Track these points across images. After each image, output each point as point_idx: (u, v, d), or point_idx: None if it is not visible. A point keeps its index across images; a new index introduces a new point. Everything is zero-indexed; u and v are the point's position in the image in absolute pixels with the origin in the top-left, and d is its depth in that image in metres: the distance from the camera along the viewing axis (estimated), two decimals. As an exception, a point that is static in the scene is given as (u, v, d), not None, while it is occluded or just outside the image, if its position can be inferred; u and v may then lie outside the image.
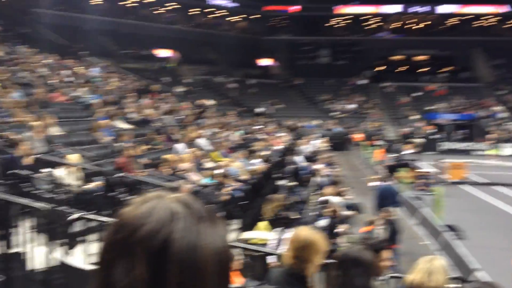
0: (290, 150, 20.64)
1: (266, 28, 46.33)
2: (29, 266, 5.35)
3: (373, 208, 11.93)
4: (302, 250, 3.24)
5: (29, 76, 17.77)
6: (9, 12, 30.09)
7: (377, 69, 45.99)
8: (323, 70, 44.37)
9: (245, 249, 5.96)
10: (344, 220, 10.54)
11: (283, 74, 44.05)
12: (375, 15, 48.14)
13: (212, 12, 44.89)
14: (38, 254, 5.43)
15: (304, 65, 44.73)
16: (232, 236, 8.29)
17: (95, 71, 23.63)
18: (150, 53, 38.47)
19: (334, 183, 13.74)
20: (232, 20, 45.98)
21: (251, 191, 11.08)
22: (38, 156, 8.92)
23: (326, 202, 10.95)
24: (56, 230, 5.49)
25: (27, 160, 8.51)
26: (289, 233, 5.05)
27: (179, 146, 14.52)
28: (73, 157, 9.19)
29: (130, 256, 0.85)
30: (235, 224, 9.33)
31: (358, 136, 32.77)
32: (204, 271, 0.87)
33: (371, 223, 9.87)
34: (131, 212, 0.90)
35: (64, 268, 5.18)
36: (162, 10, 42.50)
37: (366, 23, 48.14)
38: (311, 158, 19.63)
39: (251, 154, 16.14)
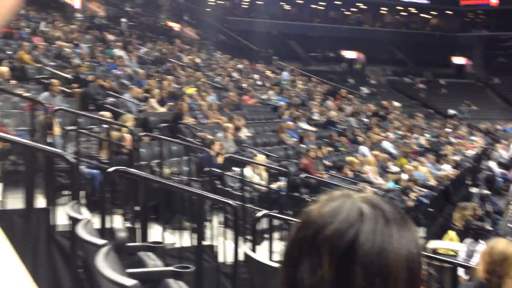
0: (484, 155, 19.11)
1: (462, 24, 43.51)
2: (219, 259, 5.69)
3: None
4: (498, 265, 2.95)
5: (222, 80, 19.04)
6: (207, 21, 32.63)
7: None
8: (526, 68, 40.27)
9: (432, 259, 5.63)
10: (548, 235, 9.42)
11: (478, 73, 41.03)
12: None
13: (402, 10, 43.59)
14: (227, 248, 5.75)
15: (503, 63, 41.10)
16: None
17: (284, 75, 24.44)
18: (336, 55, 38.70)
19: (536, 193, 12.37)
20: (423, 17, 44.13)
21: (439, 198, 10.48)
22: (229, 155, 9.47)
23: (526, 213, 9.90)
24: (243, 226, 5.76)
25: (220, 159, 9.08)
26: (482, 245, 4.63)
27: (363, 149, 14.33)
28: (260, 158, 9.59)
29: (316, 255, 0.83)
30: (421, 232, 8.90)
31: None
32: (392, 277, 0.82)
33: None
34: (318, 210, 0.88)
35: (250, 263, 5.40)
36: (349, 11, 42.46)
37: None
38: (510, 165, 17.94)
39: (440, 158, 15.28)
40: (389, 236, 0.84)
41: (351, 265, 0.82)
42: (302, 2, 40.49)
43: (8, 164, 5.75)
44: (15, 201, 4.65)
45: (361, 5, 42.49)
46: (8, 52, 13.41)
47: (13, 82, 11.06)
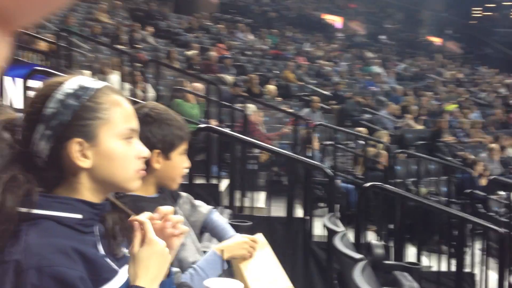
0: None
1: None
2: (479, 289, 5.21)
3: None
4: None
5: (488, 96, 17.64)
6: (471, 34, 30.77)
7: None
8: None
9: None
10: None
11: None
12: None
13: None
14: (489, 278, 5.23)
15: None
16: None
17: None
18: None
19: None
20: None
21: None
22: (494, 177, 8.67)
23: None
24: (509, 256, 5.17)
25: (483, 181, 8.39)
26: None
27: None
28: (532, 181, 8.54)
29: None
30: None
31: None
32: None
33: None
34: None
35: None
36: None
37: None
38: None
39: None
40: None
41: None
42: None
43: (272, 174, 6.18)
44: (276, 209, 4.96)
45: None
46: (275, 72, 14.59)
47: (279, 99, 11.98)
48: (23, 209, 1.12)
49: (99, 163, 1.20)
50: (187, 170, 2.00)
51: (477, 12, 35.27)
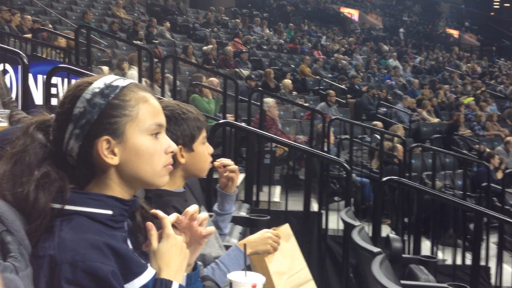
0: None
1: None
2: (495, 282, 5.23)
3: None
4: None
5: (506, 89, 17.46)
6: (490, 26, 30.39)
7: None
8: None
9: None
10: None
11: None
12: None
13: None
14: (505, 272, 5.25)
15: None
16: None
17: None
18: None
19: None
20: None
21: None
22: (510, 171, 8.64)
23: None
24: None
25: (499, 174, 8.36)
26: None
27: None
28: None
29: None
30: None
31: None
32: None
33: None
34: None
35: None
36: None
37: None
38: None
39: None
40: None
41: None
42: None
43: (287, 168, 6.24)
44: (292, 203, 5.02)
45: None
46: (291, 66, 14.61)
47: (294, 93, 12.01)
48: (56, 205, 1.16)
49: (127, 159, 1.22)
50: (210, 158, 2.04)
51: (496, 3, 34.79)
